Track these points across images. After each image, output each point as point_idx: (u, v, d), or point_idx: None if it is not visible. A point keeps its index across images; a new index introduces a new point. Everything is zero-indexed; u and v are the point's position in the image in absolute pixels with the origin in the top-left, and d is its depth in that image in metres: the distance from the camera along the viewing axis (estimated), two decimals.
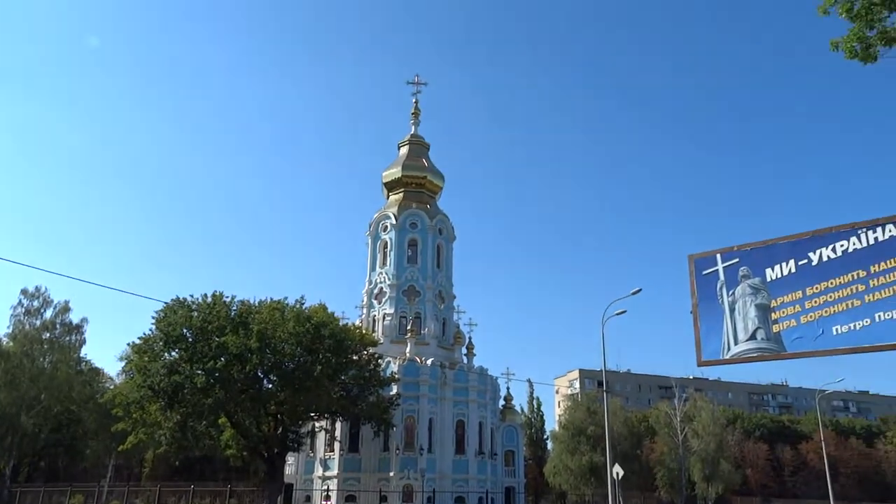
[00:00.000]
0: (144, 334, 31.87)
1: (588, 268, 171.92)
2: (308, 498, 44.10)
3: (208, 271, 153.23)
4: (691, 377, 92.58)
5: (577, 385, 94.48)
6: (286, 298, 35.06)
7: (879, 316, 11.73)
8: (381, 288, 50.15)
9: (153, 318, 31.49)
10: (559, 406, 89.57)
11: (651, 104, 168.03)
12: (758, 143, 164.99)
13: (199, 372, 29.53)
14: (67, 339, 48.12)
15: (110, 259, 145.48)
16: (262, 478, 34.39)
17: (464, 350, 51.10)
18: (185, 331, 31.70)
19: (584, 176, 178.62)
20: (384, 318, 48.79)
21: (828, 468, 58.27)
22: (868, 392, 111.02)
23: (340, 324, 35.17)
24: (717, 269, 14.46)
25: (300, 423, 35.67)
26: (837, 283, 12.58)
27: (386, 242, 51.59)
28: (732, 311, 13.85)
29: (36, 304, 47.18)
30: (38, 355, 45.86)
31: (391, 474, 41.72)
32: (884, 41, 13.01)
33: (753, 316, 13.87)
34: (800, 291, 13.15)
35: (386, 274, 50.27)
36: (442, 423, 44.60)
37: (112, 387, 44.68)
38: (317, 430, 38.85)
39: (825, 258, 13.07)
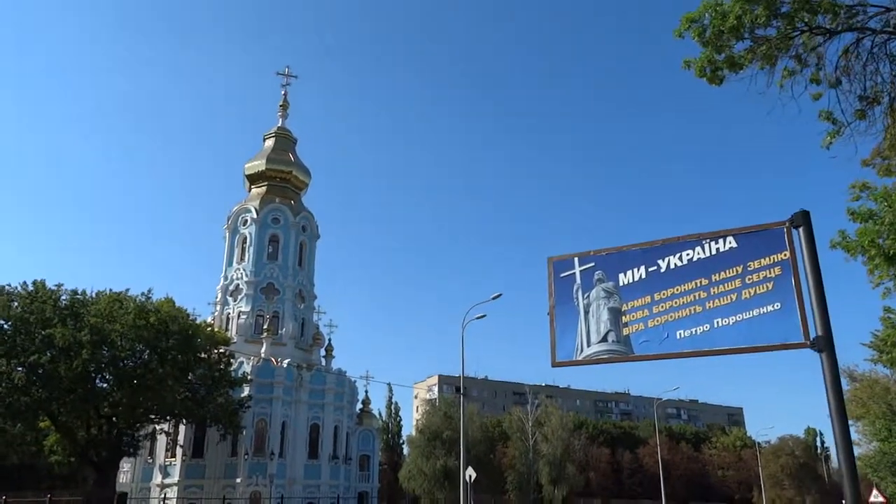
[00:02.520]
0: None
1: (453, 273, 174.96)
2: None
3: (47, 260, 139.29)
4: (544, 384, 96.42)
5: (436, 391, 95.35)
6: (128, 290, 32.27)
7: (718, 322, 12.34)
8: (238, 284, 47.68)
9: None
10: (417, 411, 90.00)
11: (522, 104, 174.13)
12: (623, 147, 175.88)
13: (19, 368, 26.22)
14: None
15: None
16: (90, 487, 31.15)
17: (322, 352, 49.68)
18: (8, 323, 28.11)
19: (453, 181, 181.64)
20: (239, 315, 46.36)
21: (661, 470, 62.84)
22: (697, 401, 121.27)
23: (190, 320, 32.68)
24: (574, 273, 14.71)
25: (138, 425, 32.81)
26: (682, 290, 13.13)
27: (245, 237, 49.16)
28: (587, 313, 14.10)
29: None
30: None
31: (238, 480, 39.54)
32: (729, 66, 13.98)
33: (606, 319, 14.25)
34: (648, 297, 13.61)
35: (244, 270, 47.86)
36: (296, 426, 42.97)
37: None
38: (157, 433, 35.86)
39: (672, 266, 13.63)
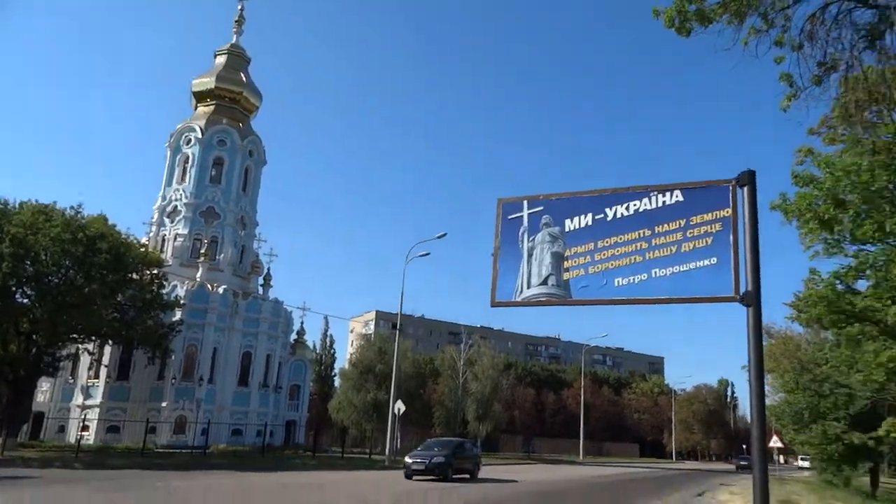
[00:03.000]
0: None
1: (399, 212, 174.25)
2: (62, 428, 39.94)
3: None
4: (479, 326, 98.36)
5: (373, 326, 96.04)
6: (55, 203, 30.60)
7: (655, 272, 12.73)
8: (177, 206, 45.94)
9: None
10: (352, 345, 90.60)
11: (481, 49, 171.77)
12: (576, 98, 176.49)
13: None
14: None
15: None
16: (2, 405, 30.09)
17: (260, 280, 48.96)
18: None
19: (406, 118, 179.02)
20: (176, 238, 44.86)
21: (583, 412, 65.81)
22: (622, 349, 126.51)
23: (121, 238, 31.35)
24: (523, 215, 14.84)
25: (60, 344, 31.72)
26: (625, 239, 13.43)
27: (188, 157, 47.12)
28: (530, 256, 14.30)
29: None
30: None
31: (164, 404, 39.12)
32: (699, 19, 13.99)
33: (548, 263, 14.50)
34: (592, 244, 13.89)
35: (183, 191, 46.07)
36: (227, 353, 42.54)
37: None
38: (81, 353, 34.77)
39: (619, 215, 13.89)
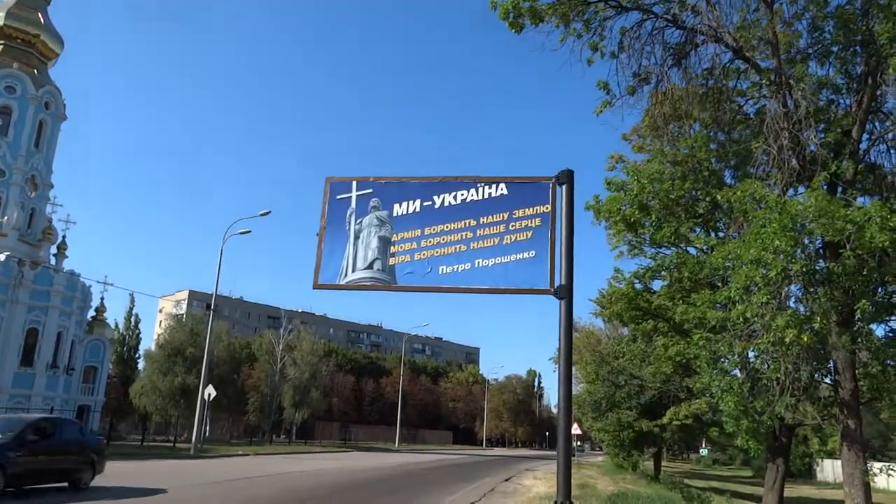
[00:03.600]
0: None
1: (221, 186, 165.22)
2: None
3: None
4: (300, 310, 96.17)
5: (185, 306, 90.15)
6: None
7: (479, 262, 13.00)
8: None
9: None
10: (161, 326, 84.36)
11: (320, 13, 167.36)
12: (410, 86, 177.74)
13: None
14: None
15: None
16: None
17: (54, 249, 43.66)
18: None
19: (234, 83, 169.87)
20: None
21: (401, 399, 66.80)
22: (441, 339, 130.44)
23: None
24: (351, 196, 14.46)
25: None
26: (451, 228, 13.60)
27: None
28: (357, 238, 13.99)
29: None
30: None
31: None
32: (532, 16, 14.52)
33: (375, 247, 14.25)
34: (419, 230, 13.89)
35: None
36: (8, 329, 37.41)
37: None
38: None
39: (446, 203, 14.03)
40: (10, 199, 40.13)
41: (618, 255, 17.46)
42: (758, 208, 11.73)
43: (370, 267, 14.27)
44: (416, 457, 39.35)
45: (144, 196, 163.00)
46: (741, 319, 10.55)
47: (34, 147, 42.21)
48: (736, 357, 13.06)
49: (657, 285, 18.03)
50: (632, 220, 15.55)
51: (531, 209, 13.71)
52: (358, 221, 14.40)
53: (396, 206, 14.49)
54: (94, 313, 45.79)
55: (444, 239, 13.90)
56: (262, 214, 30.71)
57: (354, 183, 14.96)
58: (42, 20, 44.51)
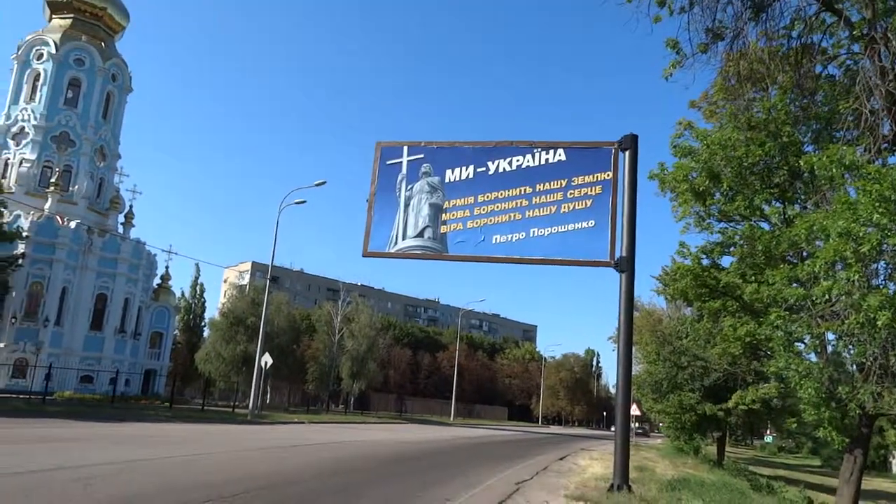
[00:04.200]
0: None
1: (283, 161, 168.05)
2: None
3: None
4: (359, 283, 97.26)
5: (248, 277, 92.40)
6: None
7: (534, 231, 12.33)
8: (24, 127, 40.95)
9: None
10: (225, 296, 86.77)
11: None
12: (460, 52, 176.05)
13: None
14: None
15: None
16: None
17: (121, 218, 45.02)
18: None
19: (296, 54, 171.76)
20: (21, 163, 40.11)
21: (456, 374, 66.79)
22: (499, 315, 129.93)
23: None
24: (402, 162, 13.97)
25: None
26: (506, 196, 12.95)
27: (39, 74, 41.99)
28: (407, 205, 13.52)
29: None
30: None
31: (1, 345, 35.29)
32: None
33: (426, 214, 13.73)
34: (472, 197, 13.30)
35: (32, 112, 41.10)
36: (78, 294, 38.88)
37: None
38: None
39: (501, 170, 13.36)
40: (80, 168, 41.48)
41: (683, 229, 16.37)
42: (846, 176, 10.57)
43: (420, 235, 13.76)
44: (469, 431, 39.14)
45: (211, 168, 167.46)
46: (825, 297, 9.52)
47: (102, 118, 43.42)
48: (814, 339, 11.99)
49: (725, 262, 16.90)
50: (700, 189, 14.46)
51: (591, 176, 12.84)
52: (409, 188, 13.90)
53: (449, 172, 13.90)
54: (159, 281, 47.13)
55: (498, 207, 13.25)
56: (317, 184, 30.61)
57: (405, 148, 14.42)
58: None
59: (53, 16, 44.61)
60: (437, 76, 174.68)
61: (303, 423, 30.46)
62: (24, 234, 34.89)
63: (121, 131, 45.64)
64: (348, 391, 59.82)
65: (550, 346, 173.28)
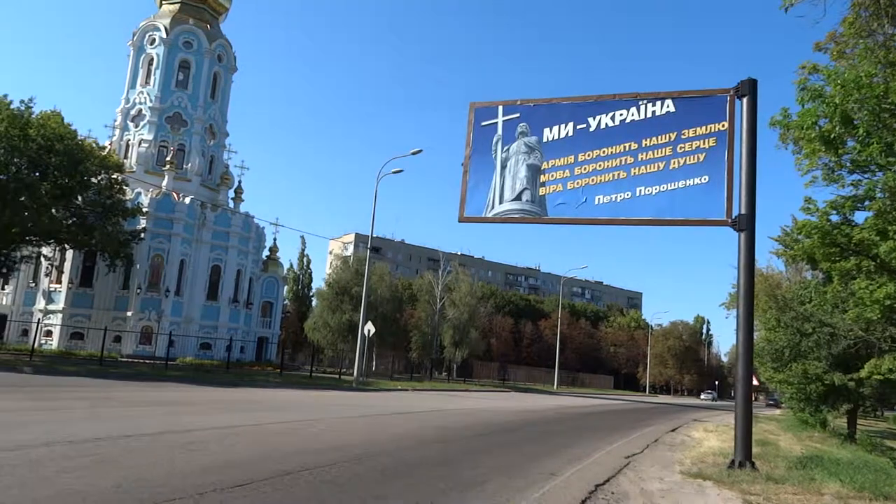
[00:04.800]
0: None
1: (384, 131, 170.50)
2: (25, 332, 38.86)
3: None
4: (459, 253, 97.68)
5: (352, 248, 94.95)
6: (6, 96, 28.24)
7: (640, 190, 11.45)
8: (141, 110, 43.48)
9: None
10: (330, 266, 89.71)
11: None
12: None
13: None
14: None
15: None
16: None
17: (231, 193, 47.08)
18: None
19: (387, 29, 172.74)
20: (140, 143, 42.64)
21: (559, 342, 65.92)
22: (602, 283, 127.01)
23: (77, 140, 29.23)
24: (497, 122, 13.36)
25: (13, 246, 30.13)
26: (609, 153, 12.09)
27: (152, 58, 44.30)
28: (504, 167, 12.95)
29: None
30: None
31: (129, 314, 38.01)
32: None
33: (523, 176, 13.07)
34: (572, 156, 12.50)
35: (148, 94, 43.50)
36: (195, 265, 41.17)
37: None
38: (32, 255, 33.08)
39: (603, 125, 12.45)
40: (192, 147, 43.61)
41: (809, 182, 14.74)
42: None
43: (518, 198, 13.12)
44: (574, 400, 38.47)
45: (314, 140, 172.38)
46: None
47: (210, 98, 45.34)
48: None
49: (858, 218, 15.16)
50: (831, 136, 12.90)
51: (704, 128, 11.68)
52: (505, 149, 13.26)
53: (547, 130, 13.12)
54: (267, 253, 49.10)
55: (600, 165, 12.38)
56: (413, 153, 30.46)
57: (500, 108, 13.74)
58: None
59: (163, 2, 46.78)
60: (530, 33, 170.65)
61: (406, 390, 30.91)
62: (145, 209, 37.12)
63: (228, 109, 47.54)
64: (451, 359, 60.48)
65: (657, 313, 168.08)
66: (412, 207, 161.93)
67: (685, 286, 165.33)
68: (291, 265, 73.96)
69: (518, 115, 13.31)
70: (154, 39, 44.28)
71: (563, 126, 13.24)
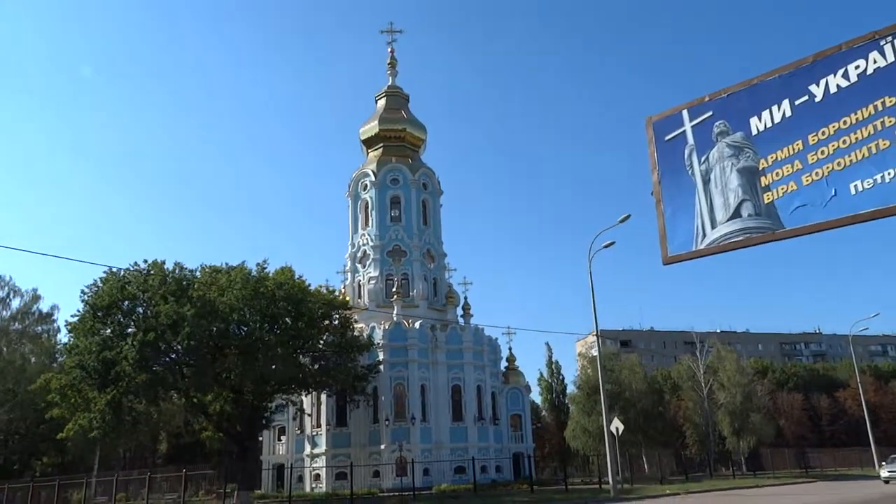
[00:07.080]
0: (78, 311, 28.62)
1: (583, 212, 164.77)
2: (300, 478, 41.08)
3: (185, 242, 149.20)
4: (718, 331, 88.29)
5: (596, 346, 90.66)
6: (244, 263, 31.49)
7: None
8: (365, 250, 46.52)
9: (82, 292, 28.31)
10: (580, 368, 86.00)
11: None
12: None
13: (133, 345, 26.13)
14: (38, 328, 45.56)
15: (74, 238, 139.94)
16: (232, 460, 31.17)
17: (460, 311, 47.33)
18: (125, 303, 28.41)
19: (572, 119, 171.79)
20: (369, 281, 45.15)
21: (867, 414, 53.90)
22: None
23: (299, 283, 31.28)
24: (684, 131, 10.34)
25: (268, 397, 32.27)
26: (855, 121, 8.46)
27: (367, 202, 47.83)
28: (707, 182, 9.79)
29: (1, 294, 44.70)
30: (6, 347, 43.24)
31: (382, 447, 38.41)
32: None
33: (736, 185, 9.76)
34: (800, 141, 9.04)
35: (368, 235, 46.56)
36: (435, 389, 41.02)
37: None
38: (293, 404, 35.24)
39: (834, 88, 8.88)
40: (414, 274, 45.13)
41: None
42: None
43: (737, 215, 9.62)
44: None
45: (524, 237, 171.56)
46: None
47: (423, 224, 47.28)
48: None
49: None
50: None
51: None
52: (703, 160, 10.02)
53: (754, 120, 9.66)
54: (505, 364, 47.78)
55: (845, 141, 8.63)
56: (621, 221, 27.45)
57: (685, 112, 10.57)
58: (405, 115, 50.67)
59: (368, 150, 51.09)
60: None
61: (677, 494, 26.08)
62: (378, 343, 38.27)
63: (441, 230, 49.03)
64: (734, 450, 52.56)
65: None
66: (663, 294, 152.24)
67: None
68: (542, 374, 72.39)
69: (710, 113, 10.27)
70: (366, 185, 47.92)
71: (775, 108, 9.81)
